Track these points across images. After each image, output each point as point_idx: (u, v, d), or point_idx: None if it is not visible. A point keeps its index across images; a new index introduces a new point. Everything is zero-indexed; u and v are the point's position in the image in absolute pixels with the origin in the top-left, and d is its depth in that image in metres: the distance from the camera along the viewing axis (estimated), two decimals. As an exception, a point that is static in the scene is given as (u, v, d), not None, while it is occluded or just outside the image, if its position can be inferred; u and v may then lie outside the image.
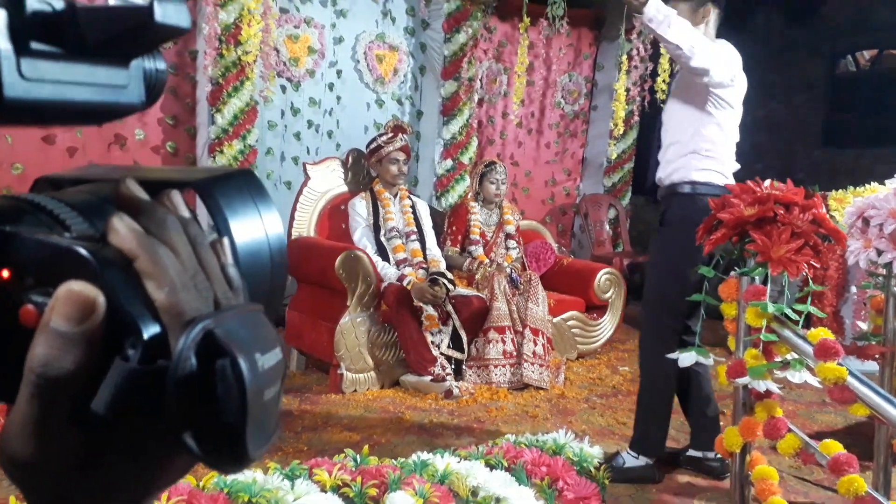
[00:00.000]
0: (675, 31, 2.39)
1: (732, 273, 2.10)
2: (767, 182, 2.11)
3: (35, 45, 0.28)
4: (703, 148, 2.57)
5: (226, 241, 0.33)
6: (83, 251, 0.28)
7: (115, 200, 0.30)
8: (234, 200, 0.34)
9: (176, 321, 0.28)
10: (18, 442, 0.28)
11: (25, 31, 0.28)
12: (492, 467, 1.81)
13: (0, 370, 0.28)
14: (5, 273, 0.28)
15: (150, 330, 0.28)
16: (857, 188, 4.24)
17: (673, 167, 2.61)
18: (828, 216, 2.01)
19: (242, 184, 0.35)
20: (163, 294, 0.28)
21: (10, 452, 0.28)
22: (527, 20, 4.93)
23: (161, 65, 0.34)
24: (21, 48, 0.28)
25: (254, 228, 0.35)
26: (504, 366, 3.54)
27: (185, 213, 0.32)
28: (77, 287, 0.27)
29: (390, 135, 3.75)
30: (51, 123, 0.32)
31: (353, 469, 1.68)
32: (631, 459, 2.57)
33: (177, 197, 0.33)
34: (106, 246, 0.29)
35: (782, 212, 2.00)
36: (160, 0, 0.28)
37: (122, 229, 0.29)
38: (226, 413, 0.27)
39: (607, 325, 4.32)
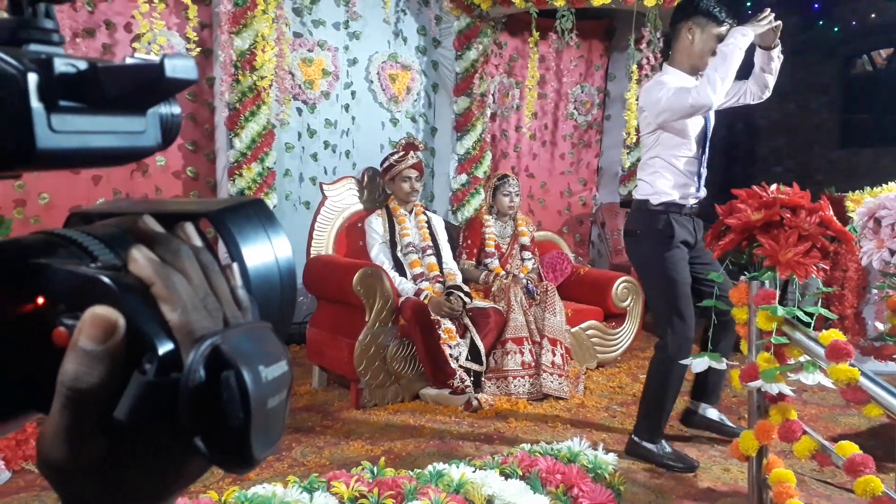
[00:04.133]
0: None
1: (742, 278, 2.11)
2: (773, 187, 2.13)
3: (63, 102, 0.33)
4: None
5: (235, 266, 0.37)
6: (106, 279, 0.32)
7: (135, 234, 0.35)
8: (245, 228, 0.38)
9: (187, 339, 0.32)
10: (52, 447, 0.32)
11: (55, 91, 0.32)
12: (507, 476, 1.83)
13: (37, 385, 0.33)
14: (40, 300, 0.33)
15: (164, 347, 0.32)
16: (875, 188, 4.20)
17: None
18: (834, 218, 2.02)
19: (252, 212, 0.39)
20: (176, 315, 0.32)
21: (45, 456, 0.33)
22: (536, 34, 4.98)
23: (176, 109, 0.39)
24: (51, 105, 0.32)
25: (264, 253, 0.39)
26: (523, 377, 3.56)
27: (198, 243, 0.36)
28: (101, 311, 0.31)
29: (402, 153, 3.81)
30: (78, 167, 0.37)
31: (370, 481, 1.71)
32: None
33: (190, 228, 0.37)
34: (127, 274, 0.33)
35: (789, 215, 2.02)
36: (170, 57, 0.33)
37: (141, 259, 0.33)
38: (231, 419, 0.31)
39: (626, 333, 4.32)
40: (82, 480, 0.32)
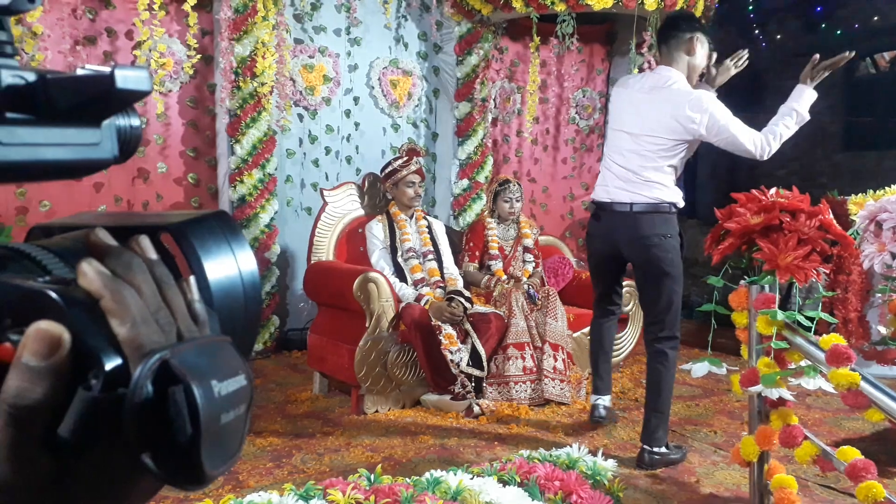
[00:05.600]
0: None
1: (742, 282, 2.10)
2: (773, 190, 2.12)
3: (10, 115, 0.32)
4: None
5: (192, 279, 0.36)
6: (52, 293, 0.31)
7: (87, 246, 0.34)
8: (207, 241, 0.38)
9: (136, 353, 0.31)
10: None
11: (1, 103, 0.32)
12: (505, 483, 1.82)
13: None
14: None
15: (111, 362, 0.31)
16: (877, 191, 4.18)
17: None
18: (834, 222, 2.01)
19: (216, 225, 0.38)
20: (124, 329, 0.31)
21: None
22: (537, 39, 4.99)
23: (135, 121, 0.38)
24: None
25: (227, 266, 0.38)
26: (524, 382, 3.54)
27: (153, 256, 0.35)
28: (45, 325, 0.30)
29: (405, 158, 3.81)
30: (29, 180, 0.36)
31: (367, 488, 1.71)
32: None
33: (145, 241, 0.36)
34: (76, 287, 0.32)
35: (788, 219, 2.01)
36: (121, 68, 0.32)
37: (90, 272, 0.32)
38: (179, 435, 0.30)
39: (629, 338, 4.30)
40: (27, 500, 0.32)
